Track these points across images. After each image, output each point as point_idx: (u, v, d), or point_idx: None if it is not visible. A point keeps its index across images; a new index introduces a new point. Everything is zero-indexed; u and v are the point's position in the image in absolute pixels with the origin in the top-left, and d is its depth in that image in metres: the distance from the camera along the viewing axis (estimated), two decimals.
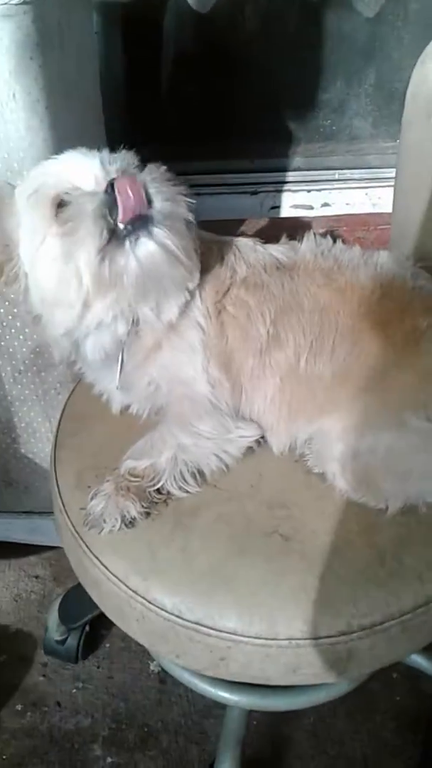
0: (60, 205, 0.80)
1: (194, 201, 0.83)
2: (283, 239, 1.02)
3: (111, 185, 0.75)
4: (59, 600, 1.36)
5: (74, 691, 1.37)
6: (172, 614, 0.83)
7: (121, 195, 0.72)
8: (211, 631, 0.82)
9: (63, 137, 1.02)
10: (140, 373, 0.95)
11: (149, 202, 0.77)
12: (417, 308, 0.93)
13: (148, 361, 0.94)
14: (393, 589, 0.83)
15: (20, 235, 0.86)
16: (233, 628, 0.81)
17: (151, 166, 0.81)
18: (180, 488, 0.91)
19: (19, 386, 1.24)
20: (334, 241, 1.00)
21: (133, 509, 0.88)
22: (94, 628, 1.41)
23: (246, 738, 1.16)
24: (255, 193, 2.00)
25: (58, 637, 1.35)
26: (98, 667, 1.41)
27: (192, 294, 0.91)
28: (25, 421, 1.30)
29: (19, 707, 1.34)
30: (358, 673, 0.88)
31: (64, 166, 0.83)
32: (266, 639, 0.81)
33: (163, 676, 1.38)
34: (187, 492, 0.91)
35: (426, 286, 0.97)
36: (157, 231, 0.78)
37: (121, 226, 0.77)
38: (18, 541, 1.54)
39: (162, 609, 0.83)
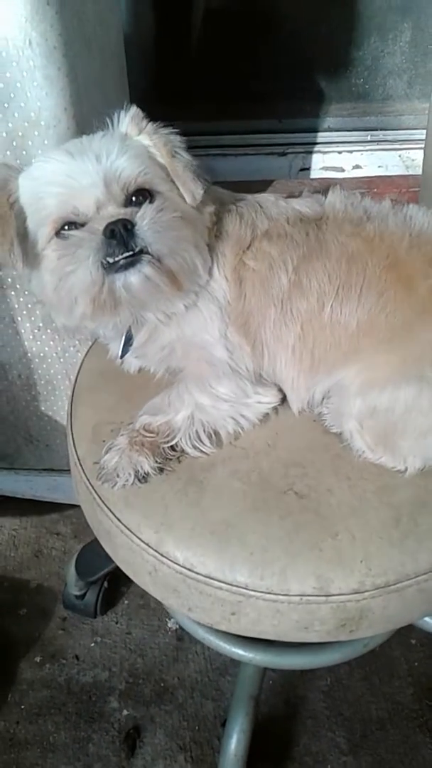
0: (61, 228, 0.81)
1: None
2: (306, 192, 0.99)
3: (111, 229, 0.77)
4: (76, 554, 1.37)
5: (92, 645, 1.39)
6: (183, 567, 0.83)
7: (116, 239, 0.77)
8: (222, 585, 0.81)
9: (83, 87, 1.00)
10: (153, 339, 0.94)
11: (141, 241, 0.79)
12: None
13: (160, 330, 0.93)
14: (408, 550, 0.82)
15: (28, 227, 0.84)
16: (244, 582, 0.81)
17: (146, 207, 0.80)
18: (194, 447, 0.90)
19: (38, 343, 1.24)
20: (362, 197, 0.97)
21: (147, 464, 0.88)
22: (113, 585, 1.43)
23: (261, 696, 1.17)
24: (284, 154, 1.95)
25: (77, 592, 1.37)
26: (116, 623, 1.42)
27: (208, 270, 0.90)
28: (45, 378, 1.30)
29: (38, 659, 1.36)
30: (372, 632, 0.87)
31: (68, 180, 0.80)
32: (277, 594, 0.80)
33: (181, 633, 1.39)
34: (201, 452, 0.90)
35: None
36: (146, 269, 0.80)
37: (113, 260, 0.78)
38: (40, 499, 1.56)
39: (174, 562, 0.83)
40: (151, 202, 0.82)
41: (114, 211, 0.79)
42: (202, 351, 0.92)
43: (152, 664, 1.36)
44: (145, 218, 0.79)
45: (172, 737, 1.26)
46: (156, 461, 0.88)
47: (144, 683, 1.33)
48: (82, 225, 0.80)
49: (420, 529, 0.83)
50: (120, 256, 0.78)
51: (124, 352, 0.95)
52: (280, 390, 0.96)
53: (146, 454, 0.88)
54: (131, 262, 0.79)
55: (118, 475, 0.88)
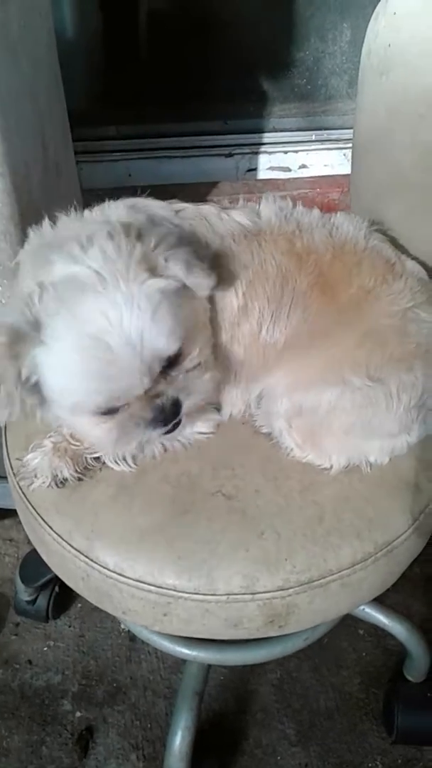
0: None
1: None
2: (241, 202, 0.99)
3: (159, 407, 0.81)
4: (21, 561, 1.38)
5: (45, 649, 1.40)
6: (114, 572, 0.84)
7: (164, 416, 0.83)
8: (152, 588, 0.83)
9: (8, 99, 1.00)
10: None
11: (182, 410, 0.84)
12: (365, 270, 0.93)
13: None
14: (331, 546, 0.85)
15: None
16: (173, 584, 0.83)
17: (184, 378, 0.83)
18: (116, 463, 0.90)
19: None
20: (294, 204, 0.99)
21: (66, 471, 0.88)
22: (65, 589, 1.43)
23: (209, 692, 1.19)
24: (230, 155, 1.97)
25: (27, 598, 1.38)
26: (69, 627, 1.44)
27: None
28: None
29: None
30: (300, 627, 0.90)
31: (109, 373, 0.75)
32: (205, 594, 0.83)
33: (133, 635, 1.41)
34: (122, 468, 0.90)
35: (378, 245, 0.97)
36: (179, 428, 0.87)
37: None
38: None
39: (104, 567, 0.85)
40: (178, 359, 0.81)
41: (156, 389, 0.80)
42: None
43: (105, 666, 1.38)
44: (189, 396, 0.83)
45: (125, 736, 1.28)
46: (76, 470, 0.89)
47: (97, 685, 1.35)
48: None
49: (342, 525, 0.86)
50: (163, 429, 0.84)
51: None
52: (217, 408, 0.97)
53: (67, 461, 0.88)
54: (171, 429, 0.85)
55: (36, 476, 0.89)
